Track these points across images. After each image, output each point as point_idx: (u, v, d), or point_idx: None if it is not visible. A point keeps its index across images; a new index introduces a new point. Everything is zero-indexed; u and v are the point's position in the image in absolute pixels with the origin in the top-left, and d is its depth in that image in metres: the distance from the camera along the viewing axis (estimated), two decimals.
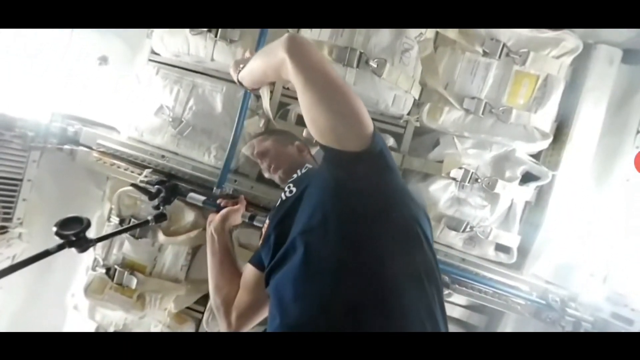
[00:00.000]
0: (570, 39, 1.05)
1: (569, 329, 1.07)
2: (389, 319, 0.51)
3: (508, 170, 1.12)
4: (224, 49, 1.11)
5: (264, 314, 0.83)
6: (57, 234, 0.69)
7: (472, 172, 1.11)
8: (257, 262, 0.84)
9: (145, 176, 1.15)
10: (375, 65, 1.04)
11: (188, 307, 1.30)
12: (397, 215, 0.61)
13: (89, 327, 1.33)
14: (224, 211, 0.98)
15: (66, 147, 1.20)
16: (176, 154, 1.21)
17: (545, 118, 1.10)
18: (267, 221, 0.79)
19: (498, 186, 1.09)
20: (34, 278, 1.31)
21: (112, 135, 1.24)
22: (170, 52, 1.19)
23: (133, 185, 1.09)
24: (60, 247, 0.69)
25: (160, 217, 0.99)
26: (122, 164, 1.20)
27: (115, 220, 1.19)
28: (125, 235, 1.19)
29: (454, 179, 1.11)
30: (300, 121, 1.18)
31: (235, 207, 1.01)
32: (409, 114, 1.15)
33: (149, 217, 0.97)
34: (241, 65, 0.79)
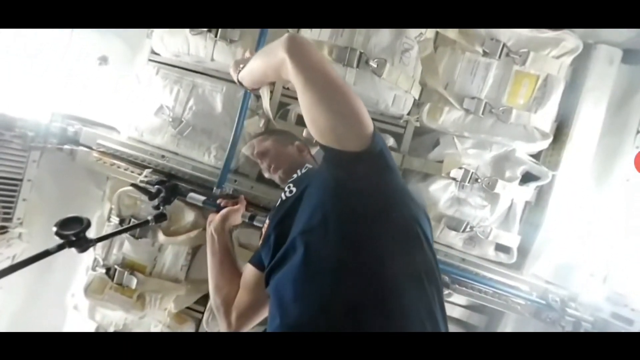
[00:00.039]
0: (570, 39, 1.05)
1: (569, 329, 1.07)
2: (389, 319, 0.51)
3: (508, 170, 1.12)
4: (224, 49, 1.11)
5: (264, 313, 0.83)
6: (57, 234, 0.69)
7: (472, 172, 1.11)
8: (257, 262, 0.84)
9: (145, 176, 1.15)
10: (375, 65, 1.04)
11: (188, 307, 1.30)
12: (397, 215, 0.61)
13: (89, 327, 1.33)
14: (224, 211, 0.98)
15: (66, 147, 1.20)
16: (176, 154, 1.21)
17: (545, 118, 1.10)
18: (267, 221, 0.79)
19: (498, 186, 1.09)
20: (34, 278, 1.31)
21: (112, 135, 1.24)
22: (170, 52, 1.19)
23: (133, 185, 1.09)
24: (60, 247, 0.69)
25: (160, 217, 0.99)
26: (122, 164, 1.20)
27: (115, 220, 1.19)
28: (125, 235, 1.19)
29: (454, 179, 1.11)
30: (300, 121, 1.18)
31: (235, 207, 1.01)
32: (409, 114, 1.15)
33: (149, 217, 0.97)
34: (241, 65, 0.79)
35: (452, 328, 1.34)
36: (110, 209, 1.21)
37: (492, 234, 1.13)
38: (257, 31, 1.09)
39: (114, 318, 1.30)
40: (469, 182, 1.11)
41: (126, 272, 1.18)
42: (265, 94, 0.98)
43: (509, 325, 1.27)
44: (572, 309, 1.07)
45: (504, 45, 1.06)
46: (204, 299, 1.28)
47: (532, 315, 1.13)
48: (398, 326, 0.51)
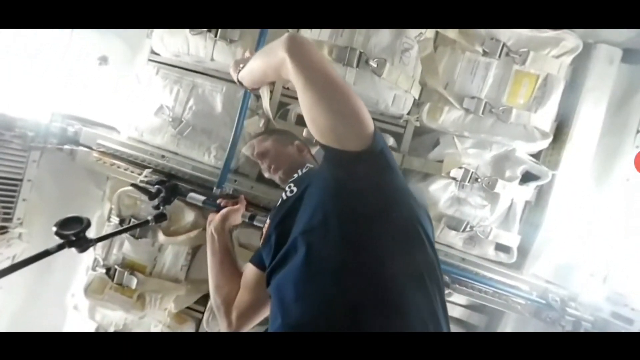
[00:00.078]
0: (570, 39, 1.05)
1: (569, 328, 1.07)
2: (390, 319, 0.51)
3: (508, 170, 1.12)
4: (224, 49, 1.11)
5: (265, 313, 0.83)
6: (57, 234, 0.69)
7: (472, 172, 1.11)
8: (257, 262, 0.84)
9: (145, 176, 1.15)
10: (375, 65, 1.04)
11: (188, 307, 1.30)
12: (398, 215, 0.61)
13: (89, 327, 1.33)
14: (224, 211, 0.98)
15: (66, 147, 1.20)
16: (176, 154, 1.21)
17: (545, 117, 1.10)
18: (268, 221, 0.79)
19: (498, 186, 1.09)
20: (34, 278, 1.31)
21: (112, 135, 1.24)
22: (170, 52, 1.19)
23: (133, 185, 1.09)
24: (60, 247, 0.69)
25: (160, 217, 0.99)
26: (122, 164, 1.20)
27: (115, 220, 1.19)
28: (125, 235, 1.19)
29: (454, 178, 1.11)
30: (300, 121, 1.18)
31: (235, 207, 1.01)
32: (409, 113, 1.15)
33: (149, 217, 0.97)
34: (241, 65, 0.79)
35: (453, 328, 1.34)
36: (110, 209, 1.21)
37: (492, 233, 1.13)
38: (257, 31, 1.09)
39: (114, 318, 1.30)
40: (469, 182, 1.11)
41: (126, 272, 1.18)
42: (265, 93, 0.98)
43: (509, 325, 1.27)
44: (572, 308, 1.07)
45: (504, 44, 1.06)
46: (204, 299, 1.28)
47: (532, 314, 1.13)
48: (399, 326, 0.51)
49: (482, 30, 1.07)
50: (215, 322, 1.22)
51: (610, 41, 1.10)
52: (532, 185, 1.14)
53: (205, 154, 1.19)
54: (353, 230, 0.58)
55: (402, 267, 0.56)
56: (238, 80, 0.81)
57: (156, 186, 1.06)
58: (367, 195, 0.60)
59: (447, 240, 1.17)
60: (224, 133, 1.17)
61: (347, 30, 1.07)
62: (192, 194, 1.10)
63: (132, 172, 1.19)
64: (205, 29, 1.09)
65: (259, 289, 0.82)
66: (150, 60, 1.25)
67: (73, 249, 0.71)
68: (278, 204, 0.77)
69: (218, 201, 1.04)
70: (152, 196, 1.04)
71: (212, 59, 1.13)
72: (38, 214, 1.24)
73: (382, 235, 0.58)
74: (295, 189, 0.75)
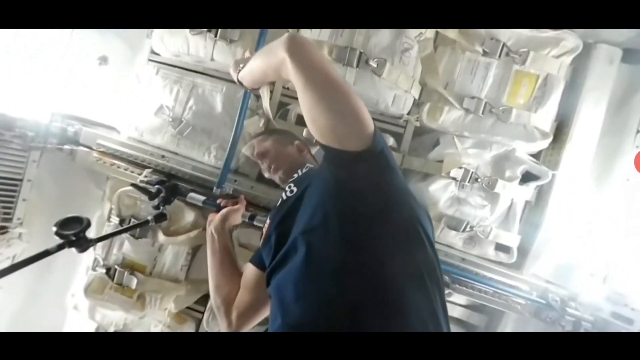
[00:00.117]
0: (570, 39, 1.05)
1: (569, 328, 1.07)
2: (390, 319, 0.51)
3: (508, 170, 1.12)
4: (223, 49, 1.11)
5: (265, 313, 0.83)
6: (57, 234, 0.69)
7: (472, 172, 1.11)
8: (257, 262, 0.84)
9: (145, 176, 1.15)
10: (375, 65, 1.04)
11: (188, 307, 1.30)
12: (398, 215, 0.61)
13: (89, 327, 1.33)
14: (224, 211, 0.98)
15: (66, 147, 1.20)
16: (176, 154, 1.21)
17: (545, 117, 1.10)
18: (268, 221, 0.79)
19: (498, 186, 1.09)
20: (34, 278, 1.31)
21: (112, 135, 1.24)
22: (170, 52, 1.19)
23: (133, 185, 1.09)
24: (60, 247, 0.69)
25: (160, 217, 0.99)
26: (122, 164, 1.20)
27: (115, 220, 1.19)
28: (125, 235, 1.19)
29: (454, 178, 1.11)
30: (300, 121, 1.18)
31: (235, 207, 1.01)
32: (409, 113, 1.15)
33: (149, 217, 0.97)
34: (241, 65, 0.79)
35: (453, 328, 1.34)
36: (110, 209, 1.21)
37: (492, 233, 1.13)
38: (257, 31, 1.09)
39: (114, 318, 1.30)
40: (469, 182, 1.11)
41: (126, 272, 1.18)
42: (265, 93, 0.98)
43: (509, 324, 1.27)
44: (572, 308, 1.07)
45: (504, 44, 1.06)
46: (204, 299, 1.28)
47: (532, 314, 1.13)
48: (399, 326, 0.51)
49: (482, 30, 1.07)
50: (215, 322, 1.22)
51: (610, 41, 1.10)
52: (532, 185, 1.14)
53: (205, 154, 1.19)
54: (353, 230, 0.58)
55: (402, 267, 0.56)
56: (238, 80, 0.81)
57: (156, 186, 1.06)
58: (367, 195, 0.60)
59: (447, 240, 1.17)
60: (224, 133, 1.17)
61: (347, 30, 1.07)
62: (192, 194, 1.10)
63: (132, 172, 1.19)
64: (205, 29, 1.09)
65: (259, 289, 0.82)
66: (150, 60, 1.25)
67: (73, 249, 0.71)
68: (278, 204, 0.77)
69: (218, 201, 1.04)
70: (152, 196, 1.04)
71: (212, 59, 1.13)
72: (38, 214, 1.24)
73: (382, 235, 0.58)
74: (295, 189, 0.75)
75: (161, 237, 1.17)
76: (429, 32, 1.09)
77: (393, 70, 1.05)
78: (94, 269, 1.22)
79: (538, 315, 1.12)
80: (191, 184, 1.18)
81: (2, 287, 1.22)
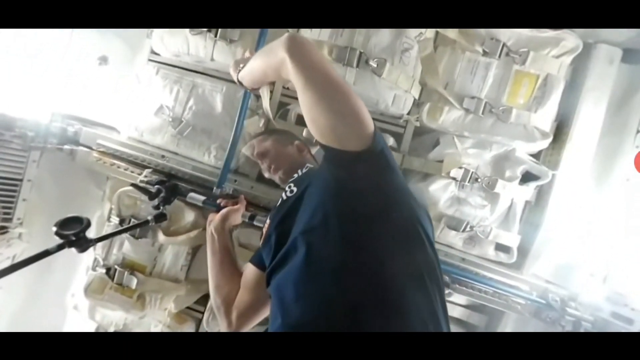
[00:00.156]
0: (570, 39, 1.05)
1: (569, 328, 1.07)
2: (390, 319, 0.51)
3: (508, 170, 1.12)
4: (223, 49, 1.11)
5: (265, 313, 0.83)
6: (57, 234, 0.69)
7: (472, 172, 1.11)
8: (257, 262, 0.84)
9: (145, 176, 1.15)
10: (375, 65, 1.04)
11: (188, 307, 1.30)
12: (398, 215, 0.61)
13: (89, 327, 1.33)
14: (224, 211, 0.98)
15: (66, 147, 1.20)
16: (176, 154, 1.21)
17: (545, 117, 1.10)
18: (268, 221, 0.79)
19: (498, 186, 1.09)
20: (34, 278, 1.31)
21: (112, 135, 1.24)
22: (170, 52, 1.19)
23: (133, 185, 1.09)
24: (60, 247, 0.69)
25: (160, 217, 0.99)
26: (122, 164, 1.20)
27: (115, 220, 1.19)
28: (125, 235, 1.19)
29: (454, 178, 1.11)
30: (300, 121, 1.18)
31: (235, 207, 1.01)
32: (409, 113, 1.15)
33: (149, 217, 0.97)
34: (241, 65, 0.79)
35: (453, 328, 1.34)
36: (110, 209, 1.21)
37: (492, 233, 1.13)
38: (257, 31, 1.09)
39: (114, 318, 1.30)
40: (469, 182, 1.11)
41: (126, 272, 1.18)
42: (265, 93, 0.98)
43: (509, 325, 1.27)
44: (572, 308, 1.07)
45: (504, 44, 1.06)
46: (204, 299, 1.28)
47: (532, 314, 1.13)
48: (399, 326, 0.51)
49: (482, 30, 1.07)
50: (215, 322, 1.22)
51: (610, 41, 1.10)
52: (532, 185, 1.14)
53: (205, 154, 1.19)
54: (353, 230, 0.58)
55: (402, 267, 0.56)
56: (238, 80, 0.81)
57: (156, 186, 1.06)
58: (367, 195, 0.60)
59: (447, 240, 1.17)
60: (224, 133, 1.17)
61: (347, 30, 1.07)
62: (192, 194, 1.10)
63: (132, 172, 1.19)
64: (205, 29, 1.09)
65: (259, 288, 0.82)
66: (150, 60, 1.25)
67: (73, 249, 0.71)
68: (278, 204, 0.77)
69: (218, 201, 1.04)
70: (152, 196, 1.04)
71: (212, 59, 1.13)
72: (38, 214, 1.24)
73: (382, 235, 0.58)
74: (295, 189, 0.75)
75: (161, 237, 1.17)
76: (429, 32, 1.09)
77: (393, 70, 1.05)
78: (94, 269, 1.22)
79: (538, 315, 1.12)
80: (191, 184, 1.18)
81: (2, 287, 1.22)
